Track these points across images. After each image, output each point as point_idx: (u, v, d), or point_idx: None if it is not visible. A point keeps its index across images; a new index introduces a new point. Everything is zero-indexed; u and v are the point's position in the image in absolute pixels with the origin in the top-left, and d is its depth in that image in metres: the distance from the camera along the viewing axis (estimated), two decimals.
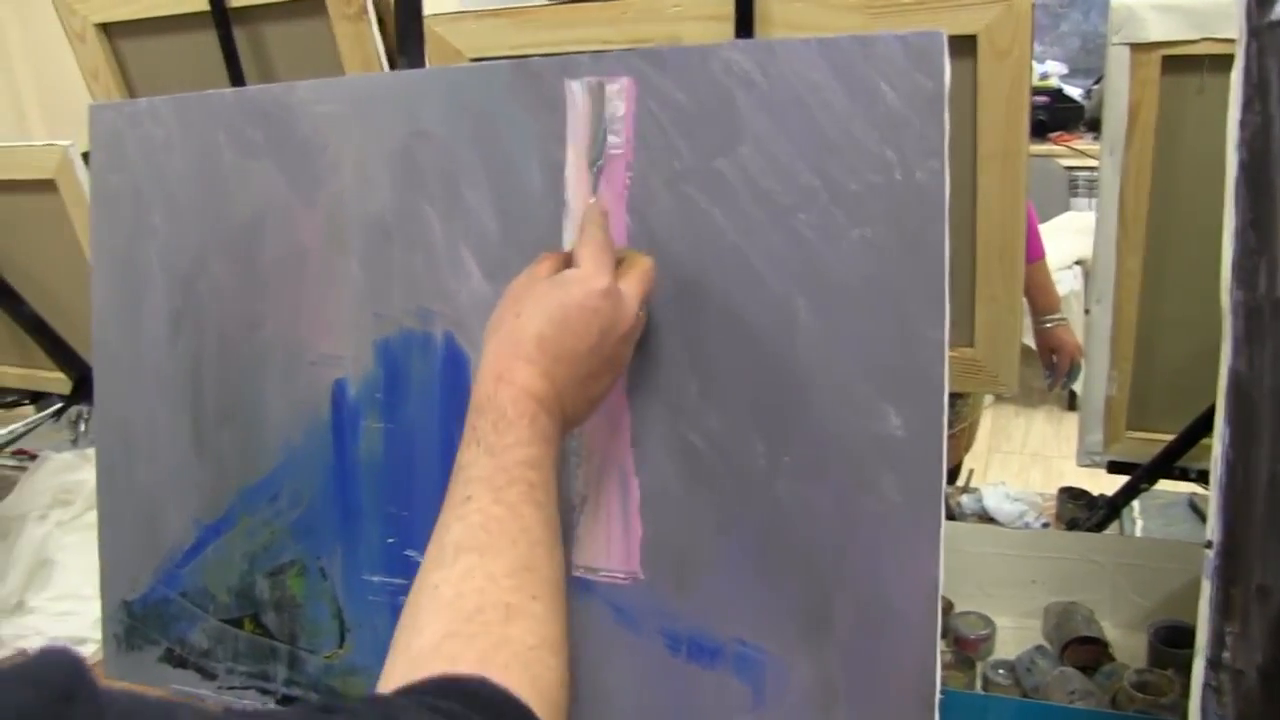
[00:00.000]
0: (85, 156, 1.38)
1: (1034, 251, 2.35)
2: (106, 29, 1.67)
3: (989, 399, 3.79)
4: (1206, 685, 0.78)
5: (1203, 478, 1.43)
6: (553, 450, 0.75)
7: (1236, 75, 0.77)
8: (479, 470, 0.71)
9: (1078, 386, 4.14)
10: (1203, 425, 1.34)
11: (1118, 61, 1.21)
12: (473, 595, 0.65)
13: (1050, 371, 2.47)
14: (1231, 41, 0.78)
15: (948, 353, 0.80)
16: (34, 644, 1.53)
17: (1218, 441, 0.78)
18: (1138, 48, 1.19)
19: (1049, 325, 2.44)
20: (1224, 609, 0.77)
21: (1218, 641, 0.77)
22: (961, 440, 2.46)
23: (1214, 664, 0.78)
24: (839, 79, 0.80)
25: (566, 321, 0.75)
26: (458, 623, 0.64)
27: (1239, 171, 0.77)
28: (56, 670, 0.45)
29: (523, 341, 0.75)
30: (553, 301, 0.76)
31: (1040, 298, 2.43)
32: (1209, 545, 0.78)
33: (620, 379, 0.85)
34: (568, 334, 0.75)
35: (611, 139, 0.87)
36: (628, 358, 0.82)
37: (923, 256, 0.79)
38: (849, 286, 0.81)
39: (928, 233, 0.79)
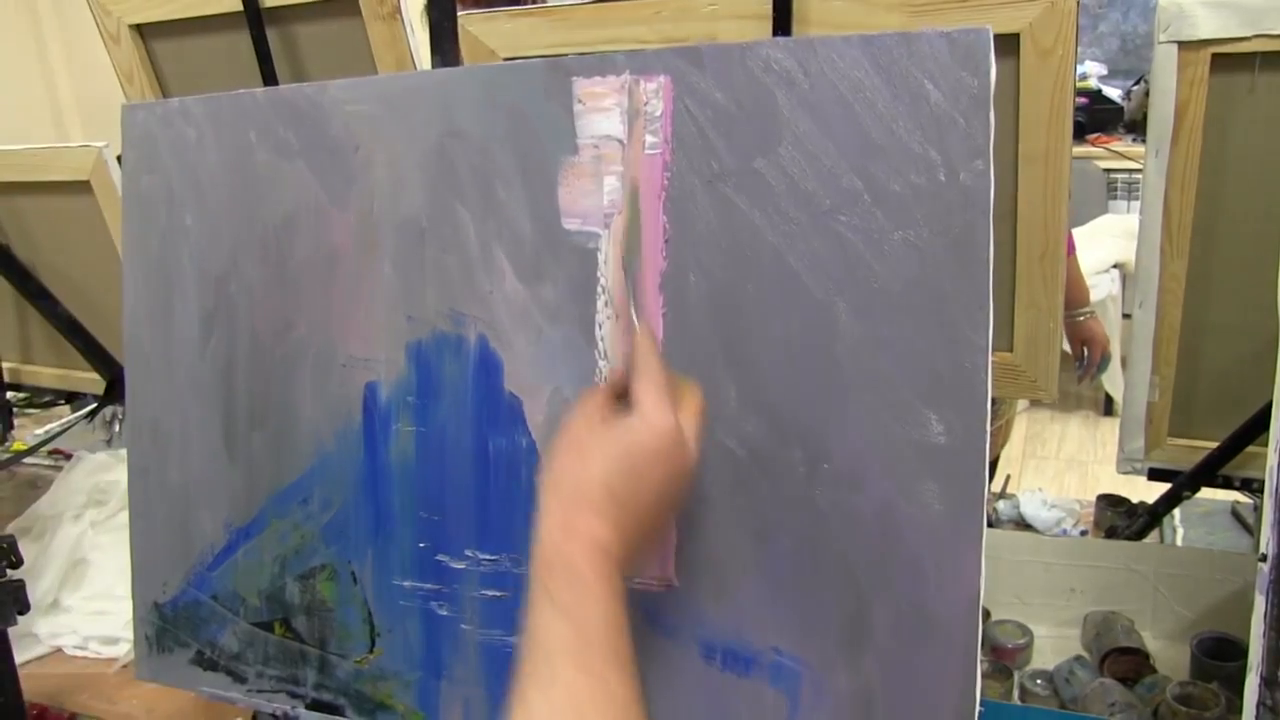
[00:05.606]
0: (120, 159, 1.38)
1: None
2: (141, 30, 1.68)
3: (1024, 402, 3.75)
4: (1260, 704, 0.76)
5: (1246, 486, 1.41)
6: (624, 604, 0.69)
7: None
8: (557, 637, 0.66)
9: (1111, 389, 4.13)
10: (1248, 432, 1.32)
11: (1165, 60, 1.18)
12: None
13: (1080, 364, 2.50)
14: None
15: (990, 358, 0.78)
16: (69, 642, 1.54)
17: (1272, 452, 0.76)
18: (1186, 46, 1.16)
19: (1080, 318, 2.47)
20: (1279, 624, 0.75)
21: (1273, 659, 0.75)
22: (998, 438, 2.46)
23: (1269, 682, 0.75)
24: (882, 77, 0.78)
25: (634, 469, 0.71)
26: None
27: None
28: None
29: (590, 490, 0.71)
30: (619, 448, 0.72)
31: (1071, 292, 2.44)
32: (1263, 558, 0.76)
33: None
34: (635, 481, 0.71)
35: (649, 139, 0.86)
36: (686, 498, 0.78)
37: (966, 259, 0.78)
38: (891, 290, 0.79)
39: (972, 235, 0.77)
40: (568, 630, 0.66)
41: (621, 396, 0.77)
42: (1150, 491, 1.56)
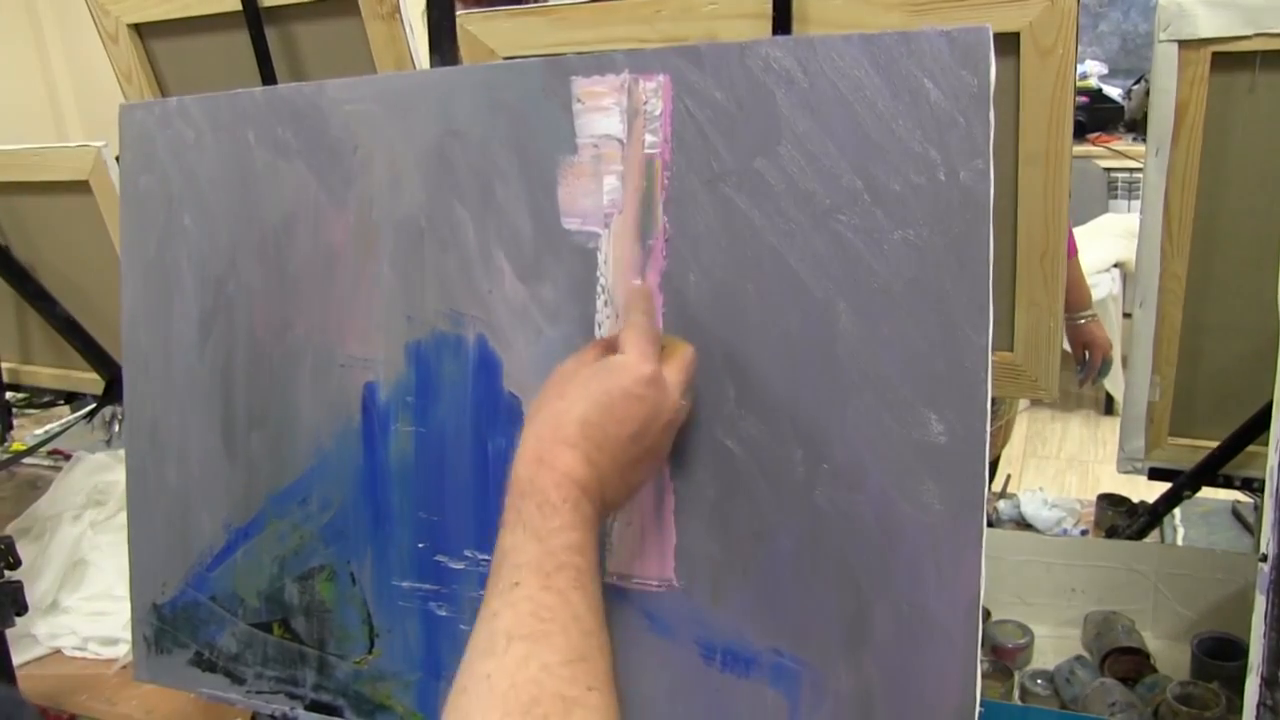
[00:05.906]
0: (119, 159, 1.38)
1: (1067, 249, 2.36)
2: (139, 29, 1.68)
3: (1024, 402, 3.75)
4: (1261, 704, 0.76)
5: (1247, 485, 1.41)
6: (595, 536, 0.73)
7: None
8: (526, 556, 0.70)
9: (1112, 388, 4.13)
10: (1248, 431, 1.32)
11: (1165, 59, 1.18)
12: (528, 686, 0.63)
13: (1082, 367, 2.49)
14: None
15: (990, 358, 0.78)
16: (68, 643, 1.54)
17: (1273, 451, 0.76)
18: (1186, 44, 1.16)
19: (1081, 321, 2.46)
20: (1279, 624, 0.75)
21: (1273, 659, 0.75)
22: (999, 438, 2.45)
23: (1269, 682, 0.75)
24: (881, 76, 0.78)
25: (611, 408, 0.75)
26: (514, 715, 0.62)
27: None
28: None
29: (565, 425, 0.74)
30: (598, 387, 0.75)
31: (1073, 294, 2.43)
32: (1263, 558, 0.76)
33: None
34: (611, 420, 0.74)
35: (648, 138, 0.86)
36: (668, 447, 0.81)
37: (966, 259, 0.77)
38: (890, 290, 0.79)
39: (972, 234, 0.77)
40: (536, 550, 0.70)
41: (617, 351, 0.79)
42: (1151, 491, 1.56)
